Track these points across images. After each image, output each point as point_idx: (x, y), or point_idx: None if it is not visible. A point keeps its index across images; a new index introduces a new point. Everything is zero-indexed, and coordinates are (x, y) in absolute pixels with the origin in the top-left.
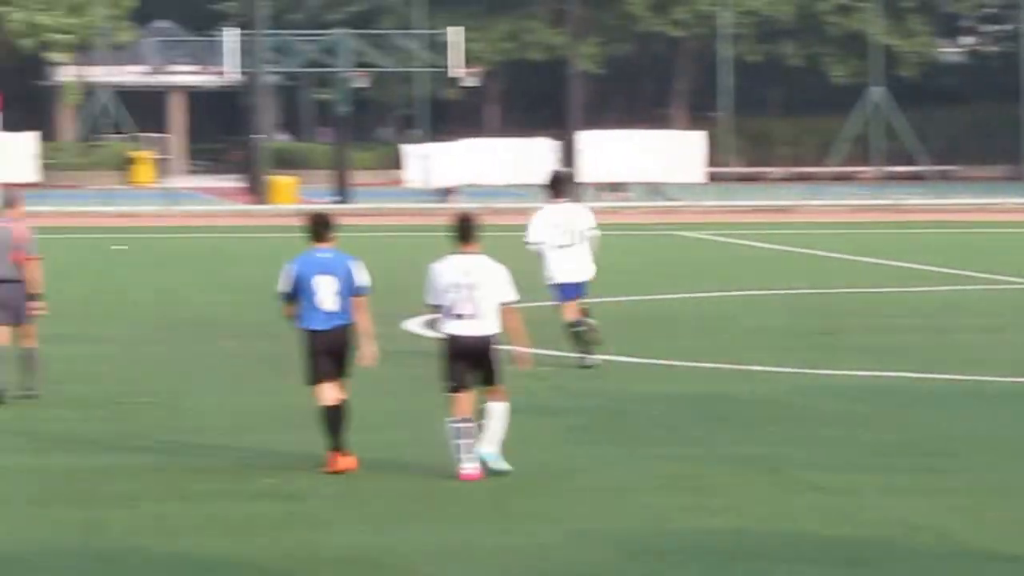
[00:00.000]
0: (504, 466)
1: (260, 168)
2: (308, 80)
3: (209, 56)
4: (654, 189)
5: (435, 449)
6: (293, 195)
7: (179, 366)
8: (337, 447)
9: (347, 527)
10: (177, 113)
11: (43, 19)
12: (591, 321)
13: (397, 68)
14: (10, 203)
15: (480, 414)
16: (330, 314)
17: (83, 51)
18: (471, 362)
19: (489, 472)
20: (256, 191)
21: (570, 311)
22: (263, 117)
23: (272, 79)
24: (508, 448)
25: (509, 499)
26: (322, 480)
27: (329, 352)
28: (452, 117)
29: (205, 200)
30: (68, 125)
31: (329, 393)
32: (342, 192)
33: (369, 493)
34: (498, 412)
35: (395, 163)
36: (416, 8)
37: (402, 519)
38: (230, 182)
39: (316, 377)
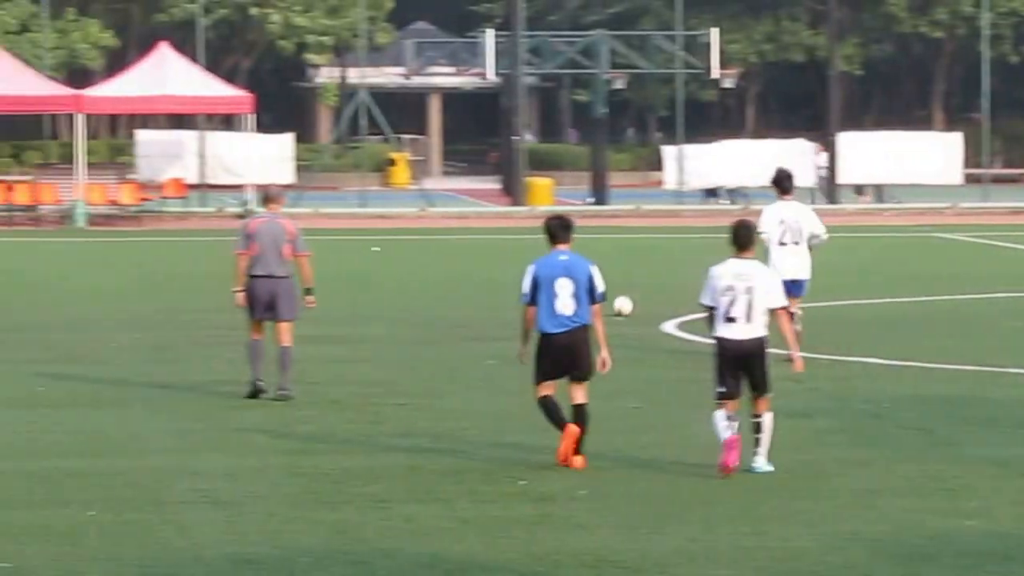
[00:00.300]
0: (768, 467)
1: (518, 169)
2: (564, 81)
3: (467, 57)
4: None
5: (689, 451)
6: (550, 197)
7: (434, 368)
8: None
9: (600, 529)
10: (434, 114)
11: (301, 21)
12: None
13: (655, 69)
14: (273, 198)
15: (755, 427)
16: (565, 317)
17: (341, 52)
18: (741, 365)
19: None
20: (513, 192)
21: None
22: (520, 118)
23: (529, 80)
24: None
25: (763, 501)
26: (575, 482)
27: (562, 354)
28: (710, 118)
29: (462, 202)
30: (325, 126)
31: (546, 389)
32: (599, 193)
33: (623, 496)
34: (766, 424)
35: (650, 164)
36: (675, 9)
37: (656, 521)
38: (486, 183)
39: (539, 377)
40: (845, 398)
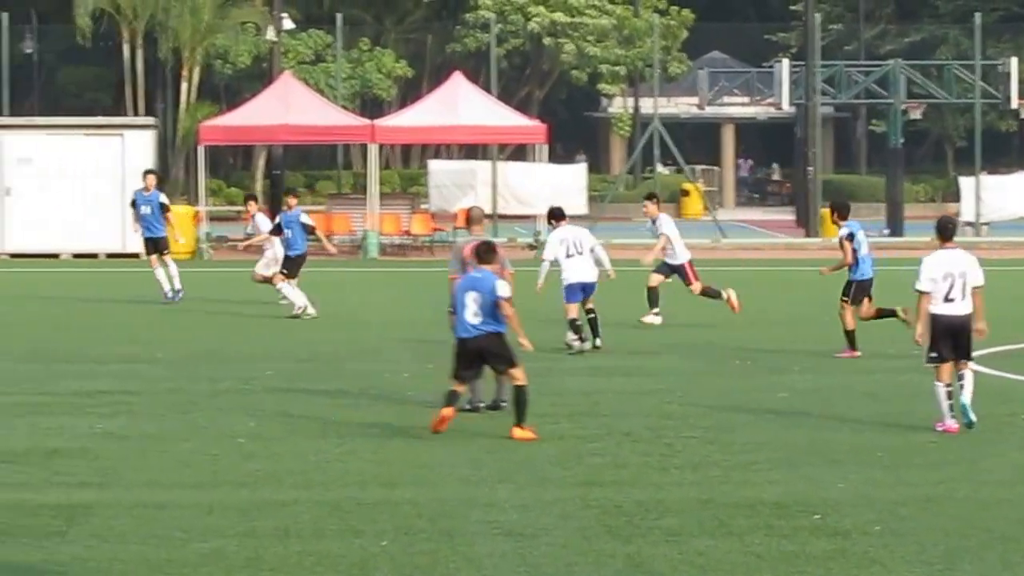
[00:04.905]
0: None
1: (812, 201)
2: (860, 111)
3: (761, 88)
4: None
5: (984, 486)
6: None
7: (726, 400)
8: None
9: (895, 565)
10: (727, 145)
11: (595, 51)
12: None
13: (952, 99)
14: (476, 220)
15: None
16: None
17: (634, 82)
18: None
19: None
20: (806, 224)
21: None
22: (815, 149)
23: (824, 110)
24: None
25: None
26: (869, 517)
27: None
28: (1009, 149)
29: (755, 232)
30: (617, 157)
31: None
32: (895, 224)
33: (918, 531)
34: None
35: (947, 196)
36: (973, 38)
37: (951, 557)
38: (779, 215)
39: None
40: None
